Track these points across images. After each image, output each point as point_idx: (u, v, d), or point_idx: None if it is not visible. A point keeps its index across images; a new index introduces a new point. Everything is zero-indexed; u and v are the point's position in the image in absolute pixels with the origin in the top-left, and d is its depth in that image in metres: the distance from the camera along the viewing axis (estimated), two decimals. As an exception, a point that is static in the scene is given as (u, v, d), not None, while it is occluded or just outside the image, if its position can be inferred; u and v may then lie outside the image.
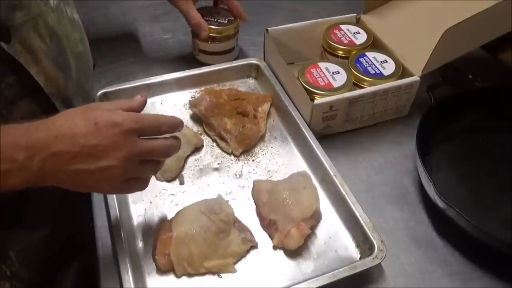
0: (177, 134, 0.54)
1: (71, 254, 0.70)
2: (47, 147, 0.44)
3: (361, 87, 0.74)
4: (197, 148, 0.72)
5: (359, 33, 0.83)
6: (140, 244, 0.59)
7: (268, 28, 0.81)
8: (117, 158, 0.46)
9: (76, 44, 0.63)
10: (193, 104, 0.75)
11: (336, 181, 0.63)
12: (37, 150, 0.44)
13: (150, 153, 0.50)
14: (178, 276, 0.56)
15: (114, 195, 0.60)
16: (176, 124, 0.53)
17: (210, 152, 0.72)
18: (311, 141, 0.68)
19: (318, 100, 0.69)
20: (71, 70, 0.61)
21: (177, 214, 0.60)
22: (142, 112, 0.52)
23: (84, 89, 0.67)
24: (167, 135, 0.52)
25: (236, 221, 0.60)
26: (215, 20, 0.83)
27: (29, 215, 0.60)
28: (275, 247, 0.59)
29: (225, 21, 0.83)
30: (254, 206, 0.64)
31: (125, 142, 0.47)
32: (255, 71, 0.83)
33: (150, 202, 0.64)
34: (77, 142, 0.45)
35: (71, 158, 0.45)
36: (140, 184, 0.53)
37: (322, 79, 0.74)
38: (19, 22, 0.50)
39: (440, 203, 0.59)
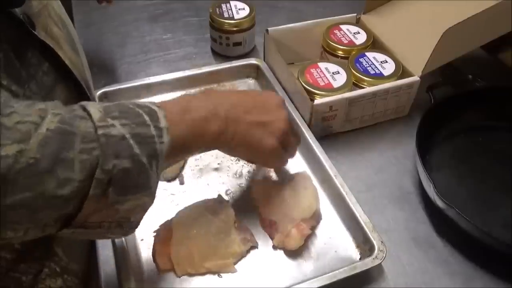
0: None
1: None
2: (228, 99, 0.53)
3: (361, 87, 0.74)
4: (197, 148, 0.72)
5: (359, 33, 0.83)
6: (140, 244, 0.59)
7: (268, 28, 0.81)
8: (281, 113, 0.56)
9: (74, 30, 0.64)
10: (193, 104, 0.75)
11: (336, 181, 0.63)
12: (220, 103, 0.52)
13: (295, 130, 0.62)
14: (178, 276, 0.56)
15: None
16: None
17: (210, 152, 0.71)
18: (311, 141, 0.68)
19: (318, 100, 0.69)
20: (80, 55, 0.62)
21: (177, 214, 0.60)
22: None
23: (89, 74, 0.67)
24: None
25: (236, 221, 0.60)
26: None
27: None
28: (275, 247, 0.59)
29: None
30: (254, 206, 0.64)
31: (283, 106, 0.58)
32: (255, 71, 0.83)
33: (150, 202, 0.64)
34: (249, 100, 0.55)
35: (247, 110, 0.54)
36: (291, 153, 0.61)
37: (322, 79, 0.73)
38: (36, 10, 0.51)
39: (440, 203, 0.59)
